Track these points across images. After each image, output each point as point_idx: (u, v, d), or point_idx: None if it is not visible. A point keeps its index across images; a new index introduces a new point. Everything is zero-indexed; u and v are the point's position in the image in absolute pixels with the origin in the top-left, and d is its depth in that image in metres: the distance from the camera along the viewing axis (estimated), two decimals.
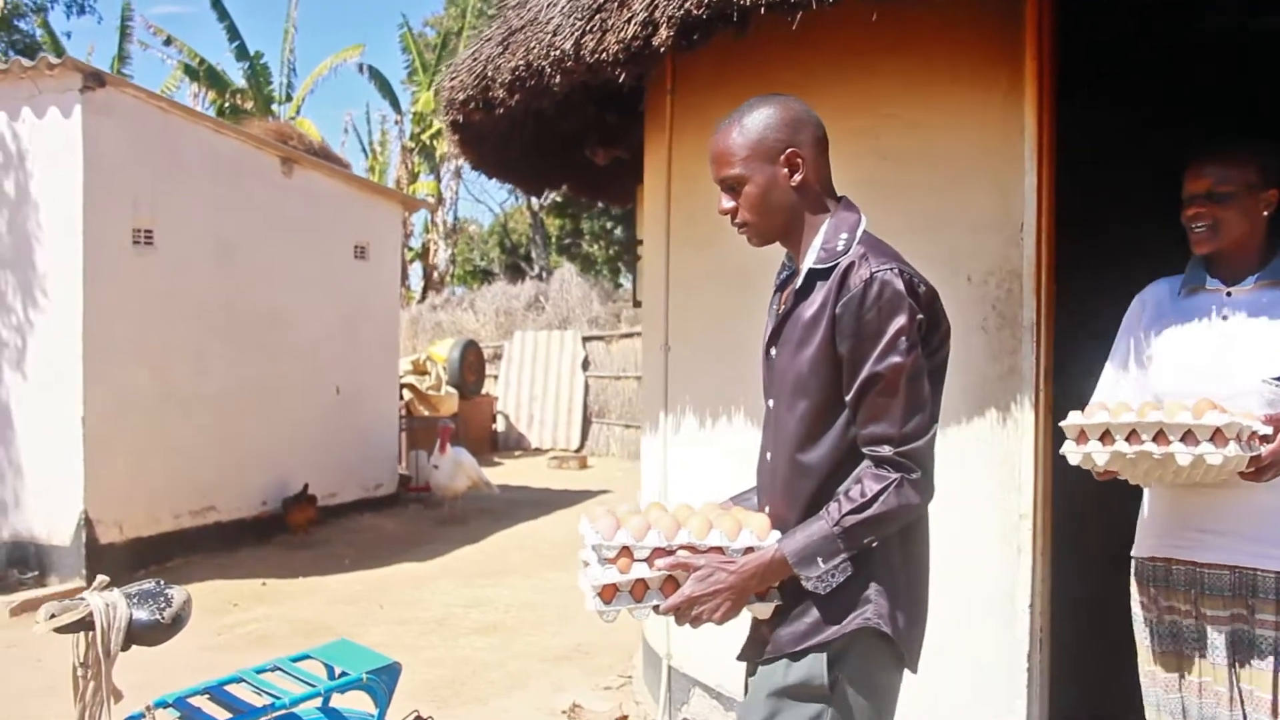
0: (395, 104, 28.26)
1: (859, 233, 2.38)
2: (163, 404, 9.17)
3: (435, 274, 29.25)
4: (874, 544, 2.29)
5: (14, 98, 8.57)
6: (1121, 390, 3.06)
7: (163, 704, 2.71)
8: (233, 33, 24.30)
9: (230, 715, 2.66)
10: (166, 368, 9.22)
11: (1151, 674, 3.00)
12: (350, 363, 11.66)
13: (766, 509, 2.49)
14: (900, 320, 2.25)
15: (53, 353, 8.52)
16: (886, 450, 2.25)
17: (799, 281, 2.41)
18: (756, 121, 2.41)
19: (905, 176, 3.95)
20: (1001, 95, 3.73)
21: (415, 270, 29.49)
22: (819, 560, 2.25)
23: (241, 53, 24.60)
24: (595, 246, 31.75)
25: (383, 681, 2.88)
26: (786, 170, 2.40)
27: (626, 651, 6.35)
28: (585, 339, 19.42)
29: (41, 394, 8.57)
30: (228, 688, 2.79)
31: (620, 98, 5.30)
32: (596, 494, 12.72)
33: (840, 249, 2.35)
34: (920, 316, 2.30)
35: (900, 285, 2.26)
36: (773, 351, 2.50)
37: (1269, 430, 2.70)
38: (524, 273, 29.28)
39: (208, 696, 2.74)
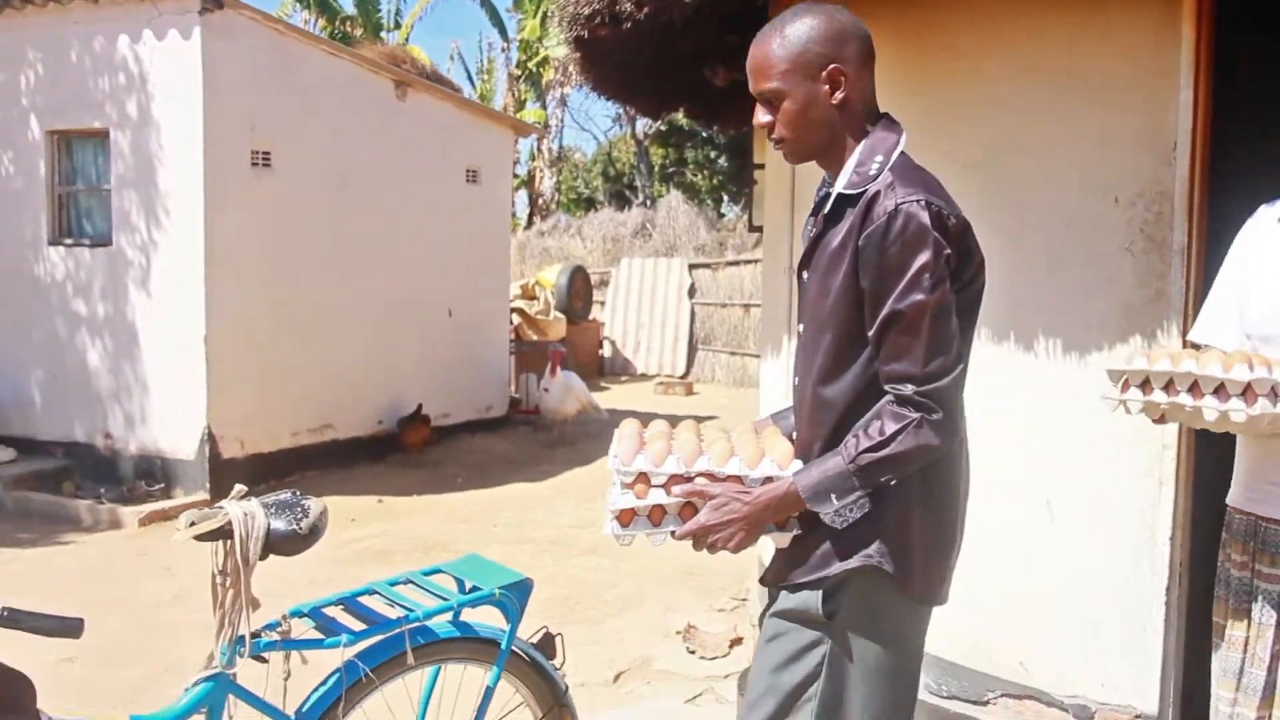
0: (503, 31, 28.16)
1: (894, 156, 2.25)
2: (282, 325, 9.26)
3: (541, 201, 29.24)
4: (892, 482, 2.21)
5: (135, 20, 8.62)
6: (1220, 328, 2.76)
7: (298, 613, 2.68)
8: None
9: (364, 626, 2.62)
10: (285, 289, 9.28)
11: (1217, 625, 2.78)
12: (462, 286, 11.66)
13: (794, 435, 2.44)
14: (924, 256, 2.13)
15: (175, 272, 8.62)
16: (908, 389, 2.15)
17: (829, 205, 2.30)
18: (799, 32, 2.24)
19: (1053, 93, 3.75)
20: (1158, 7, 3.52)
21: (521, 197, 29.49)
22: (833, 497, 2.20)
23: None
24: (699, 176, 31.44)
25: (514, 597, 2.83)
26: (828, 87, 2.25)
27: (738, 575, 6.29)
28: (691, 266, 19.26)
29: (166, 312, 8.69)
30: (361, 599, 2.75)
31: (742, 18, 5.13)
32: (704, 419, 12.58)
33: (872, 173, 2.23)
34: (947, 251, 2.16)
35: (926, 218, 2.14)
36: (804, 275, 2.39)
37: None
38: (629, 201, 29.08)
39: (342, 607, 2.71)
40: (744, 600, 5.95)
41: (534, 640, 2.99)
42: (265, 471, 9.09)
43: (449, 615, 2.76)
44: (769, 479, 2.26)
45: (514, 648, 2.87)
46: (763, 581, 2.49)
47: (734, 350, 17.97)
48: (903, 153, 2.27)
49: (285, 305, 9.30)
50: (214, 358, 8.58)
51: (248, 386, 8.91)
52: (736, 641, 5.40)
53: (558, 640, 3.03)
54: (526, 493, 8.90)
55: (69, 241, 9.11)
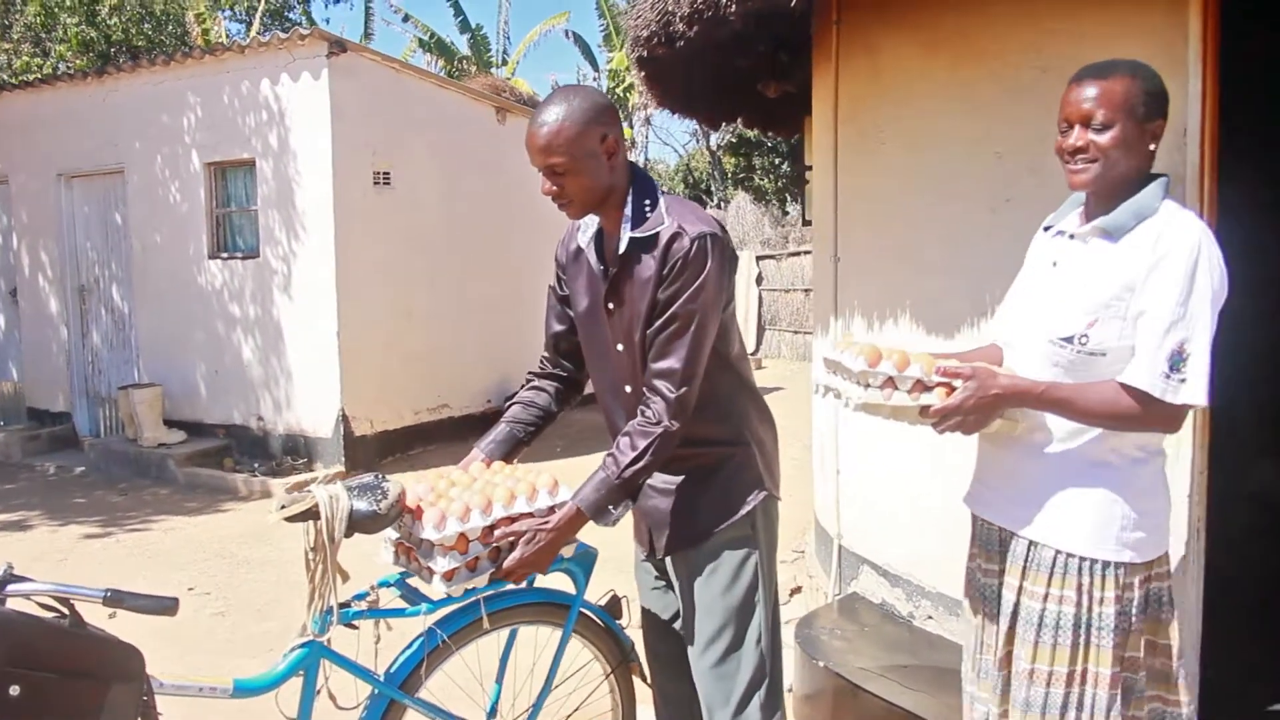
0: (593, 63, 27.96)
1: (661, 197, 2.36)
2: (402, 319, 9.17)
3: None
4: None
5: (274, 64, 8.58)
6: (1000, 325, 2.46)
7: (385, 584, 2.54)
8: (457, 8, 24.25)
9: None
10: (405, 288, 9.19)
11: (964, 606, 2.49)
12: None
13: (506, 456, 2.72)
14: (711, 275, 2.27)
15: (312, 278, 8.57)
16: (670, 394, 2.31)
17: (623, 247, 2.36)
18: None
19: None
20: (1165, 3, 3.21)
21: None
22: (610, 507, 2.35)
23: (464, 26, 24.54)
24: (766, 180, 31.13)
25: (581, 565, 2.65)
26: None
27: (799, 528, 6.05)
28: (758, 257, 18.95)
29: (304, 313, 8.65)
30: None
31: (791, 38, 4.89)
32: (771, 390, 12.34)
33: (649, 214, 2.34)
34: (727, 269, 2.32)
35: (710, 247, 2.27)
36: (610, 306, 2.44)
37: (940, 379, 2.14)
38: (705, 203, 28.80)
39: None
40: (801, 553, 5.72)
41: (602, 602, 2.81)
42: (391, 446, 9.05)
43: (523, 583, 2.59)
44: (552, 508, 2.41)
45: (583, 609, 2.69)
46: (666, 552, 2.54)
47: (796, 329, 17.71)
48: (664, 191, 2.38)
49: (405, 303, 9.21)
50: (346, 350, 8.53)
51: (375, 373, 8.85)
52: (796, 590, 5.19)
53: (624, 602, 2.85)
54: (584, 464, 8.74)
55: (224, 255, 9.11)
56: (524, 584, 2.50)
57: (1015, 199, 3.54)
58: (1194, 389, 2.00)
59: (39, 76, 11.88)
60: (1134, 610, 2.13)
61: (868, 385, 2.17)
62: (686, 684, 2.59)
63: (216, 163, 9.06)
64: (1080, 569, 2.13)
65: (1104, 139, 2.08)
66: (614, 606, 2.82)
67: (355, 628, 2.39)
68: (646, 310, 2.33)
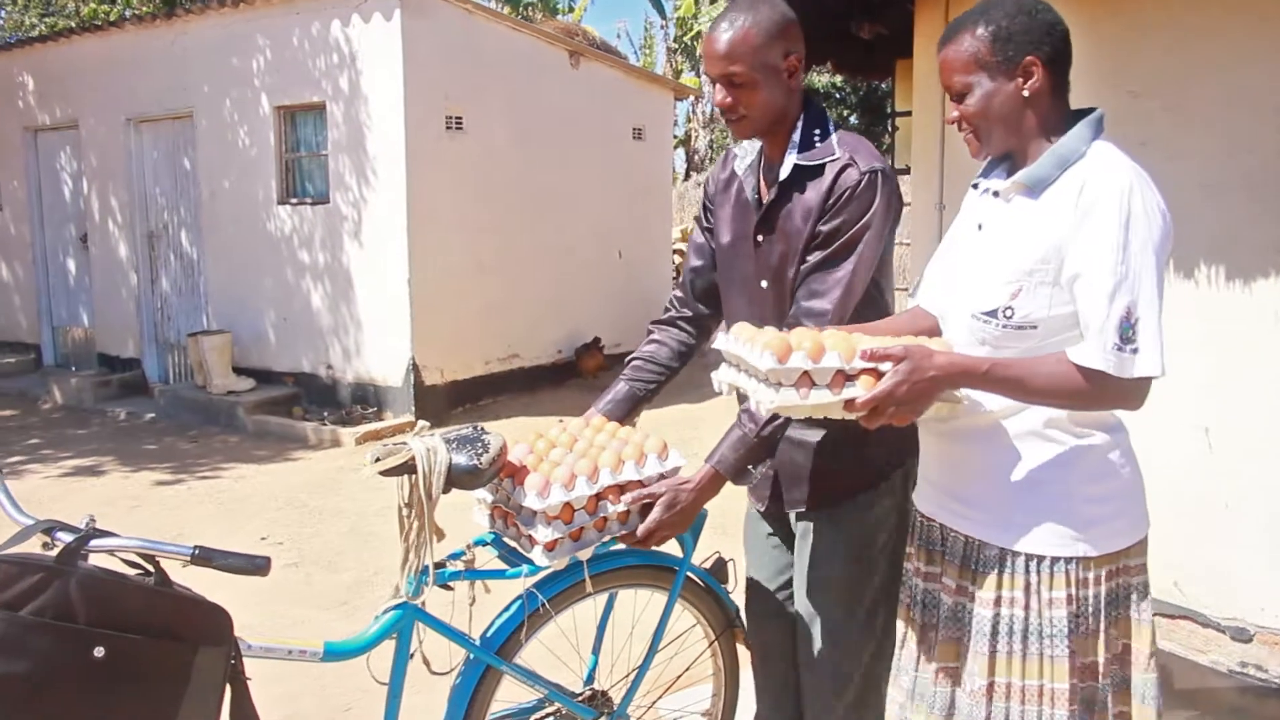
0: (660, 10, 27.53)
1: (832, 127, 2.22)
2: (474, 267, 9.05)
3: (695, 157, 28.75)
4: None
5: (344, 5, 8.45)
6: (925, 295, 2.16)
7: (482, 542, 2.39)
8: None
9: None
10: (476, 236, 9.06)
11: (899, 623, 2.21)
12: (630, 231, 11.32)
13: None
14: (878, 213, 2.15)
15: (383, 225, 8.48)
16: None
17: (785, 174, 2.22)
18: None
19: (1232, 19, 3.22)
20: None
21: (679, 155, 29.01)
22: (749, 467, 2.24)
23: None
24: None
25: (690, 528, 2.47)
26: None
27: None
28: None
29: (375, 260, 8.56)
30: None
31: None
32: None
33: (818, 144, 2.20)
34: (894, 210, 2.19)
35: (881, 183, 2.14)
36: (759, 239, 2.30)
37: (865, 365, 1.79)
38: None
39: None
40: None
41: (707, 565, 2.64)
42: (461, 396, 8.97)
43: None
44: (676, 469, 2.30)
45: (688, 573, 2.54)
46: (796, 507, 2.40)
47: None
48: (837, 125, 2.23)
49: (477, 250, 9.08)
50: (416, 298, 8.43)
51: (446, 322, 8.75)
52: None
53: (730, 565, 2.68)
54: (688, 412, 8.56)
55: (294, 201, 9.04)
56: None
57: (1151, 141, 3.29)
58: (1148, 359, 1.73)
59: (108, 20, 11.87)
60: (1091, 611, 1.87)
61: (780, 385, 1.80)
62: (789, 646, 2.48)
63: (286, 106, 8.97)
64: (1027, 567, 1.88)
65: (968, 106, 1.87)
66: (720, 570, 2.65)
67: (450, 589, 2.26)
68: (803, 244, 2.18)
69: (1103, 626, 1.87)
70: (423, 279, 8.46)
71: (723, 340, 2.00)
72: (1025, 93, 1.82)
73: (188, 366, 9.59)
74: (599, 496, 2.23)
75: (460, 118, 8.80)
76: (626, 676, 2.58)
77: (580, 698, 2.49)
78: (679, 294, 2.60)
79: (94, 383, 9.95)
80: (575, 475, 2.19)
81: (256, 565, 1.82)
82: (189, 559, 1.79)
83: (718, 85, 2.17)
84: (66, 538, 1.75)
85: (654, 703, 2.72)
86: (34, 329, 11.53)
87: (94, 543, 1.76)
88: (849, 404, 1.79)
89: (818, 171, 2.17)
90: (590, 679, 2.56)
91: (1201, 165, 3.33)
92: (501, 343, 9.49)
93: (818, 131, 2.20)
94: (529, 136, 9.59)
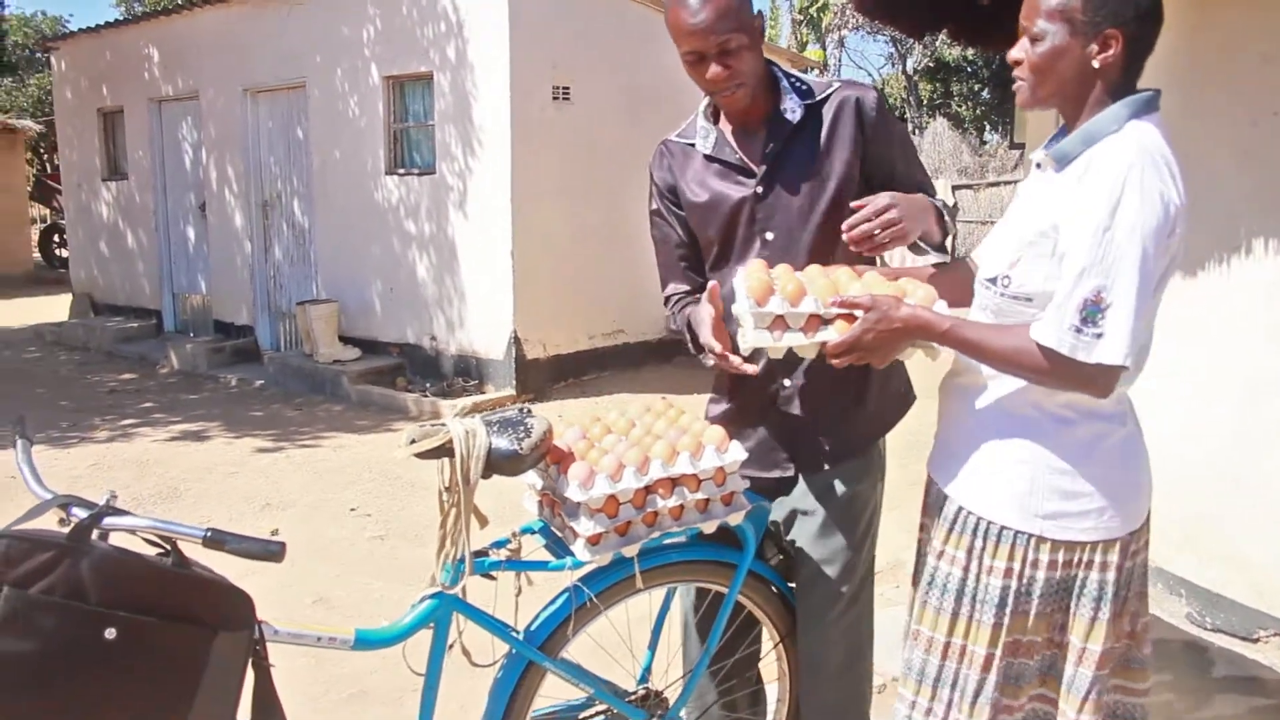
0: None
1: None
2: (579, 241, 8.96)
3: None
4: None
5: None
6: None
7: (529, 530, 2.29)
8: None
9: None
10: (582, 208, 8.96)
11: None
12: None
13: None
14: None
15: (487, 196, 8.44)
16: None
17: (799, 116, 2.25)
18: None
19: None
20: None
21: None
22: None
23: None
24: (964, 107, 29.94)
25: (754, 523, 2.33)
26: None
27: None
28: (954, 187, 18.01)
29: (479, 231, 8.54)
30: None
31: None
32: None
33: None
34: None
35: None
36: (760, 190, 2.29)
37: (839, 311, 1.92)
38: None
39: None
40: None
41: (773, 562, 2.49)
42: (563, 371, 8.91)
43: (682, 537, 2.30)
44: (735, 463, 2.16)
45: (753, 570, 2.39)
46: (818, 467, 2.34)
47: None
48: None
49: (582, 223, 8.97)
50: (520, 270, 8.38)
51: (549, 295, 8.68)
52: None
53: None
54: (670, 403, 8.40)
55: (401, 171, 9.08)
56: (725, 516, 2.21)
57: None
58: (1112, 347, 1.69)
59: None
60: (1036, 591, 1.85)
61: (754, 327, 1.96)
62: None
63: (395, 76, 9.00)
64: (975, 529, 1.90)
65: (1035, 54, 1.79)
66: (787, 567, 2.50)
67: (493, 578, 2.17)
68: (842, 173, 2.21)
69: (1049, 610, 1.87)
70: (526, 251, 8.41)
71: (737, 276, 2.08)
72: (1096, 63, 1.77)
73: (297, 335, 9.74)
74: (649, 490, 2.10)
75: (568, 87, 8.71)
76: (684, 676, 2.46)
77: (632, 697, 2.36)
78: (684, 285, 2.49)
79: (209, 349, 10.20)
80: (623, 466, 2.06)
81: (270, 551, 1.74)
82: (202, 541, 1.72)
83: (708, 63, 2.14)
84: (83, 514, 1.70)
85: (708, 707, 2.57)
86: (155, 295, 11.88)
87: (107, 521, 1.71)
88: (823, 346, 1.94)
89: (821, 106, 2.21)
90: (644, 678, 2.44)
91: None
92: (606, 317, 9.39)
93: (793, 79, 2.25)
94: (639, 107, 9.43)
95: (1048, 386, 1.82)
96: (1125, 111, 1.75)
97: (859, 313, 1.89)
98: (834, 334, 1.92)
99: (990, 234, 2.04)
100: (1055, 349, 1.72)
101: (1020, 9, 1.79)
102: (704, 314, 2.12)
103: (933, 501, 2.04)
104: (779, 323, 1.94)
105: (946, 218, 2.19)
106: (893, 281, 2.00)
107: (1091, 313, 1.68)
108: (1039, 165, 1.89)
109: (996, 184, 16.98)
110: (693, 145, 2.37)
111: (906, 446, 2.77)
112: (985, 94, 28.04)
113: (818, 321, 1.94)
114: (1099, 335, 1.68)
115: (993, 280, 1.88)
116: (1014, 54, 1.82)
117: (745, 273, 2.03)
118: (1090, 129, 1.77)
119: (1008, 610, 1.86)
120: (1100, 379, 1.73)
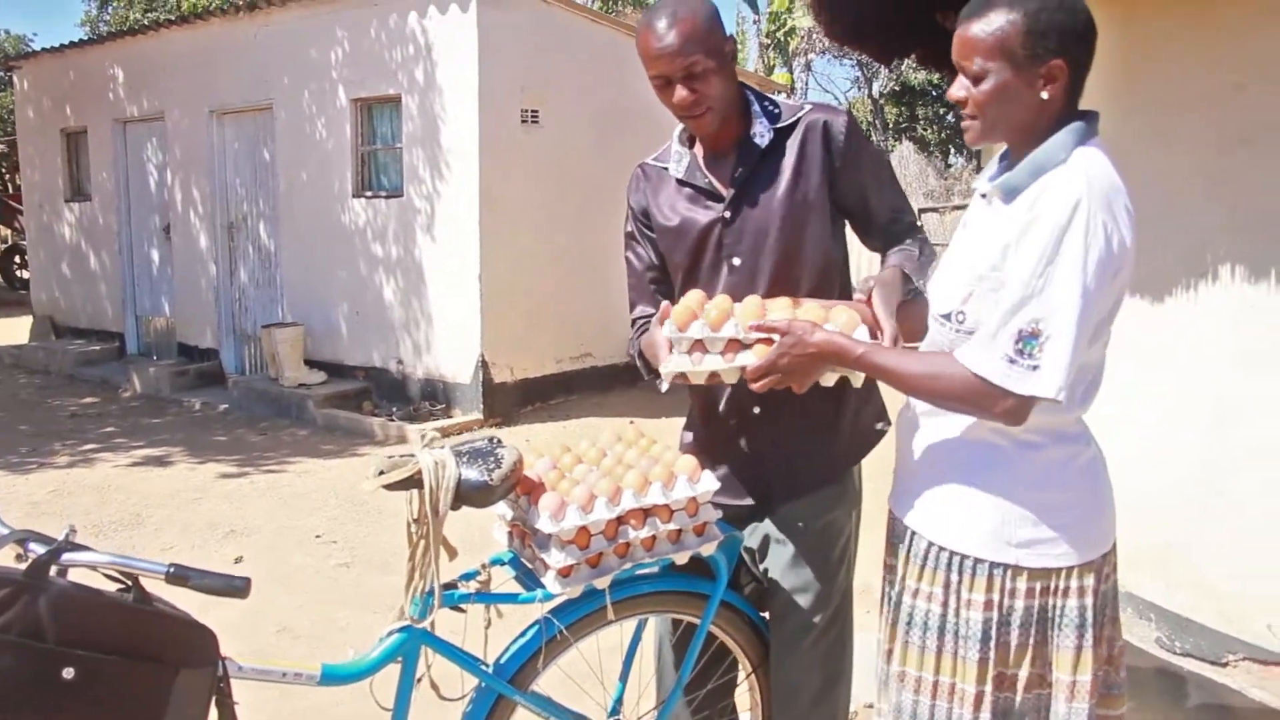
0: (754, 5, 27.32)
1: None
2: (547, 264, 8.94)
3: None
4: None
5: None
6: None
7: (499, 561, 2.26)
8: None
9: None
10: (551, 232, 8.95)
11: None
12: None
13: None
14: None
15: (455, 219, 8.42)
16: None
17: (767, 140, 2.25)
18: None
19: None
20: None
21: None
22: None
23: None
24: (929, 130, 30.21)
25: (726, 553, 2.31)
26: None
27: None
28: (921, 210, 18.18)
29: (447, 254, 8.51)
30: None
31: None
32: None
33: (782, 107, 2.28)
34: None
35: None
36: (727, 215, 2.27)
37: (758, 336, 1.96)
38: None
39: None
40: None
41: (747, 590, 2.48)
42: (531, 395, 8.88)
43: (654, 568, 2.27)
44: (708, 493, 2.16)
45: (725, 600, 2.37)
46: (792, 498, 2.31)
47: None
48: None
49: (551, 246, 8.96)
50: (487, 294, 8.35)
51: (517, 319, 8.65)
52: None
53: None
54: (640, 427, 8.40)
55: (368, 194, 9.04)
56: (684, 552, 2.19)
57: (1254, 140, 3.05)
58: (1046, 380, 1.66)
59: (194, 11, 12.06)
60: (1016, 621, 1.83)
61: (674, 351, 2.01)
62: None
63: (362, 99, 8.97)
64: (950, 564, 1.87)
65: (979, 92, 1.76)
66: (760, 596, 2.49)
67: (463, 611, 2.13)
68: (809, 199, 2.20)
69: (1031, 641, 1.83)
70: (494, 274, 8.39)
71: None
72: (1044, 95, 1.74)
73: (262, 358, 9.65)
74: (621, 520, 2.08)
75: (536, 111, 8.71)
76: (656, 707, 2.43)
77: None
78: (651, 309, 2.45)
79: (172, 372, 10.08)
80: (595, 497, 2.04)
81: (235, 587, 1.71)
82: (164, 578, 1.68)
83: (675, 86, 2.14)
84: (40, 549, 1.66)
85: None
86: (118, 318, 11.75)
87: (66, 557, 1.67)
88: (742, 371, 1.96)
89: (791, 130, 2.21)
90: (615, 710, 2.42)
91: None
92: (574, 341, 9.37)
93: (766, 102, 2.24)
94: (607, 131, 9.45)
95: (961, 413, 1.82)
96: (1071, 139, 1.74)
97: (777, 337, 1.92)
98: (753, 358, 1.94)
99: (939, 266, 2.01)
100: (985, 377, 1.70)
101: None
102: (658, 337, 2.10)
103: (898, 539, 2.01)
104: (699, 347, 1.98)
105: (922, 263, 2.20)
106: (826, 309, 2.00)
107: (1028, 344, 1.66)
108: (984, 196, 1.88)
109: (962, 207, 17.10)
110: (667, 169, 2.36)
111: (883, 472, 2.75)
112: (950, 118, 28.36)
113: (738, 346, 1.97)
114: (1034, 367, 1.66)
115: (947, 316, 1.86)
116: (955, 93, 1.80)
117: (681, 301, 2.06)
118: (1038, 159, 1.75)
119: (991, 644, 1.82)
120: (1019, 410, 1.71)
